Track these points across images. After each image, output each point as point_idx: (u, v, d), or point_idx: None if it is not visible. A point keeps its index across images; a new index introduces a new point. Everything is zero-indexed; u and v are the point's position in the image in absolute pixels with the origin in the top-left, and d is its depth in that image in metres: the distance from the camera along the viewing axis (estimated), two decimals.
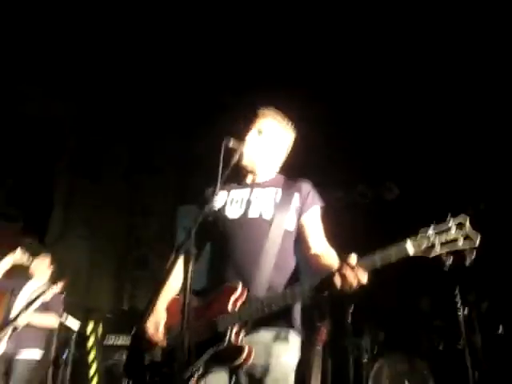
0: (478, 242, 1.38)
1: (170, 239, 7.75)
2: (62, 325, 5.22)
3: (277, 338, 1.69)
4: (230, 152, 1.88)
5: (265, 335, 1.69)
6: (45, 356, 4.81)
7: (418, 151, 5.63)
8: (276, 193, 1.88)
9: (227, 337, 1.60)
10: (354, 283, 1.46)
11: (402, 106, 5.72)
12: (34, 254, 4.47)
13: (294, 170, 2.17)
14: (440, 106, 5.56)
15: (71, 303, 6.20)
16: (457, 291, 4.43)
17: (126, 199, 7.96)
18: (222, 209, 1.89)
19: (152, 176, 8.10)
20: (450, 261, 1.40)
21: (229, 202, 1.90)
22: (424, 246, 1.42)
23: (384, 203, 5.50)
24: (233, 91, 6.17)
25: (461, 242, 1.39)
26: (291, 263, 1.84)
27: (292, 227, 1.84)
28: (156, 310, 1.80)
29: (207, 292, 1.79)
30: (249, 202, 1.86)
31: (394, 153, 5.71)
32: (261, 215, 1.82)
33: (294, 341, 1.75)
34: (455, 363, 4.42)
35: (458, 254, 1.40)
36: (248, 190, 1.92)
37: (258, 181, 1.97)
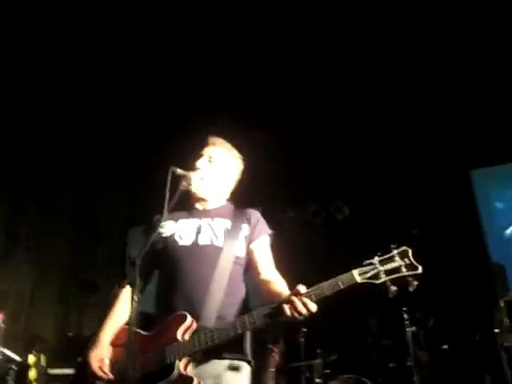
0: (420, 269, 1.50)
1: (119, 263, 7.54)
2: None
3: (228, 369, 1.68)
4: (176, 179, 1.88)
5: (215, 366, 1.67)
6: None
7: (368, 170, 5.82)
8: (225, 220, 1.91)
9: (176, 368, 1.57)
10: (303, 311, 1.51)
11: (351, 126, 5.93)
12: None
13: (245, 192, 2.19)
14: (384, 132, 5.80)
15: (13, 332, 5.87)
16: (404, 310, 4.58)
17: (73, 221, 7.70)
18: (171, 236, 1.87)
19: (102, 198, 7.89)
20: (394, 288, 1.51)
21: (178, 230, 1.89)
22: (370, 273, 1.52)
23: (336, 222, 5.63)
24: (185, 115, 6.17)
25: (404, 269, 1.51)
26: (241, 290, 1.85)
27: (242, 253, 1.87)
28: (100, 342, 1.76)
29: (155, 321, 1.77)
30: (199, 229, 1.87)
31: (345, 172, 5.87)
32: (212, 242, 1.83)
33: (245, 370, 1.74)
34: (404, 381, 4.52)
35: (402, 281, 1.51)
36: (197, 218, 1.92)
37: (207, 208, 1.98)
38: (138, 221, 7.31)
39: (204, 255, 1.80)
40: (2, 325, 4.92)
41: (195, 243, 1.83)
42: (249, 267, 1.89)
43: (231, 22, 5.19)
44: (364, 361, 4.80)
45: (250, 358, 1.77)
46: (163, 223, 1.81)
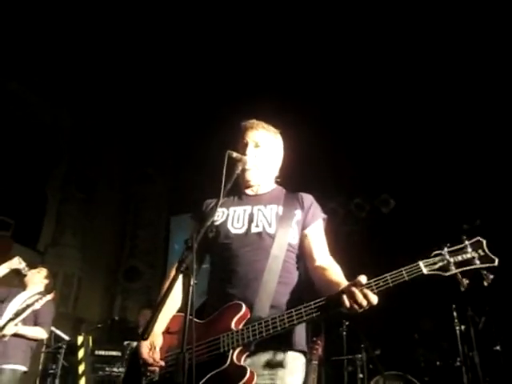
0: (497, 262, 1.40)
1: (162, 250, 7.67)
2: (51, 334, 5.12)
3: (281, 361, 1.64)
4: (232, 163, 1.83)
5: (270, 357, 1.63)
6: (33, 367, 4.70)
7: (415, 164, 5.65)
8: (278, 207, 1.85)
9: (229, 357, 1.55)
10: (364, 303, 1.43)
11: (399, 119, 5.76)
12: (31, 264, 4.38)
13: (290, 183, 2.11)
14: (436, 120, 5.61)
15: (61, 314, 6.11)
16: (454, 308, 4.42)
17: (118, 210, 7.89)
18: (224, 224, 1.83)
19: (145, 187, 8.05)
20: (466, 281, 1.42)
21: (230, 217, 1.85)
22: (438, 265, 1.42)
23: (380, 216, 5.50)
24: (228, 102, 6.17)
25: (478, 262, 1.41)
26: (294, 279, 1.80)
27: (295, 240, 1.81)
28: (154, 330, 1.63)
29: (209, 309, 1.74)
30: (251, 217, 1.83)
31: (391, 166, 5.72)
32: (264, 229, 1.78)
33: (299, 363, 1.70)
34: (452, 380, 4.37)
35: (475, 274, 1.41)
36: (249, 204, 1.88)
37: (259, 193, 1.94)
38: (180, 209, 7.43)
39: (257, 243, 1.75)
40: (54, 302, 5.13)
41: (248, 231, 1.78)
42: (303, 253, 1.82)
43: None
44: (409, 358, 4.67)
45: (305, 348, 1.73)
46: (217, 207, 1.74)
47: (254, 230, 1.78)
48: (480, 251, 1.42)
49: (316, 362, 4.15)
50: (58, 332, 5.14)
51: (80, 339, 4.99)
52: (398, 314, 4.61)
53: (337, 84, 5.80)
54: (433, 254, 1.44)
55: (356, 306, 1.44)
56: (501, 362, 4.36)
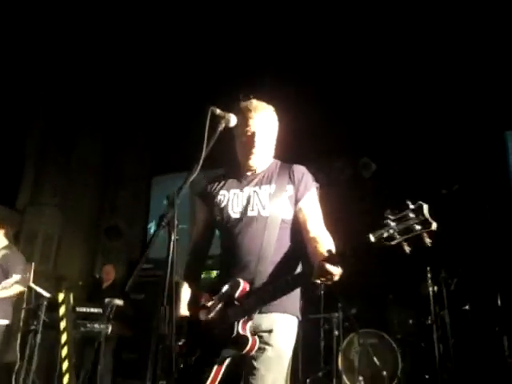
0: (434, 226, 1.47)
1: (143, 210, 7.67)
2: (31, 291, 5.14)
3: (275, 324, 1.86)
4: (215, 120, 1.88)
5: (265, 322, 1.85)
6: (14, 323, 4.74)
7: (397, 128, 5.67)
8: (270, 186, 1.99)
9: (235, 328, 1.78)
10: (331, 278, 1.66)
11: (380, 81, 5.74)
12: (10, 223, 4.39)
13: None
14: (418, 86, 5.60)
15: (42, 272, 6.11)
16: (428, 270, 4.58)
17: (98, 169, 7.79)
18: (225, 208, 2.01)
19: (126, 147, 7.93)
20: (408, 248, 1.52)
21: (230, 201, 2.01)
22: (385, 235, 1.53)
23: (361, 179, 5.56)
24: (212, 67, 6.06)
25: (418, 227, 1.48)
26: (289, 251, 1.96)
27: (289, 216, 1.96)
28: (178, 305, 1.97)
29: (218, 288, 1.94)
30: (248, 200, 1.98)
31: (372, 129, 5.74)
32: (259, 213, 1.94)
33: (291, 325, 1.91)
34: (423, 338, 4.58)
35: (417, 238, 1.50)
36: (247, 186, 2.02)
37: (257, 172, 2.05)
38: (162, 169, 7.38)
39: (253, 226, 1.93)
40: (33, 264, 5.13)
41: (244, 215, 1.96)
42: (298, 226, 1.97)
43: None
44: (383, 317, 4.85)
45: (297, 313, 1.93)
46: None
47: (250, 213, 1.96)
48: (421, 216, 1.48)
49: None
50: (39, 289, 5.15)
51: (61, 296, 5.02)
52: (374, 275, 4.74)
53: (318, 45, 5.71)
54: (380, 224, 1.54)
55: (324, 280, 1.68)
56: (469, 321, 4.59)
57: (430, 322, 4.49)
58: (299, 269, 1.96)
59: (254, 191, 1.99)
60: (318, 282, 1.69)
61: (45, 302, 4.97)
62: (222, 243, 2.06)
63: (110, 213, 7.63)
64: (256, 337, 1.80)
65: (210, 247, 2.16)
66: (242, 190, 2.02)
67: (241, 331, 1.78)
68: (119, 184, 7.86)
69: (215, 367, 1.81)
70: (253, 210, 1.96)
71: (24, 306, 5.23)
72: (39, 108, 7.12)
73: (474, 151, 5.29)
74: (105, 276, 5.55)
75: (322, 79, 5.98)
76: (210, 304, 1.93)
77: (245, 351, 1.77)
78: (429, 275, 4.53)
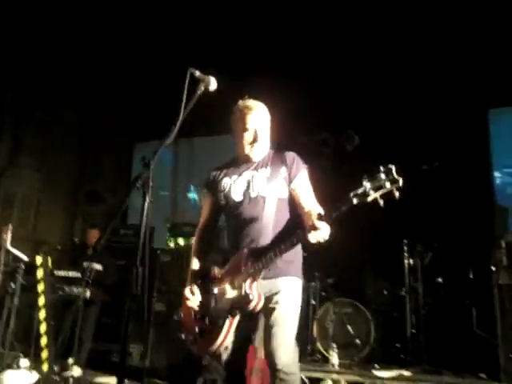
0: (401, 182, 1.78)
1: (124, 176, 7.58)
2: (9, 254, 5.10)
3: (282, 286, 2.16)
4: (195, 83, 1.98)
5: (273, 285, 2.16)
6: None
7: (381, 103, 5.66)
8: (266, 169, 2.30)
9: (243, 288, 2.08)
10: (322, 235, 1.94)
11: (364, 59, 5.69)
12: None
13: None
14: (402, 62, 5.57)
15: (21, 236, 6.04)
16: (404, 243, 4.68)
17: (79, 131, 7.62)
18: (229, 193, 2.31)
19: (110, 111, 7.75)
20: (381, 201, 1.82)
21: (232, 187, 2.32)
22: (360, 191, 1.83)
23: (345, 152, 5.57)
24: (189, 37, 5.90)
25: (388, 184, 1.79)
26: (286, 224, 2.26)
27: (285, 194, 2.28)
28: (189, 277, 2.33)
29: (227, 259, 2.26)
30: (248, 184, 2.29)
31: (357, 104, 5.71)
32: (258, 193, 2.25)
33: (296, 286, 2.21)
34: (396, 308, 4.73)
35: (389, 193, 1.81)
36: (246, 171, 2.33)
37: (253, 160, 2.36)
38: (145, 136, 7.27)
39: (254, 205, 2.24)
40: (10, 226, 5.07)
41: (246, 197, 2.27)
42: (294, 203, 2.28)
43: None
44: (359, 287, 4.97)
45: (299, 276, 2.24)
46: (223, 180, 2.34)
47: (251, 195, 2.26)
48: (390, 175, 1.79)
49: None
50: (16, 252, 5.12)
51: (38, 259, 4.99)
52: (351, 247, 4.81)
53: (299, 23, 5.61)
54: (358, 185, 1.85)
55: (315, 236, 1.95)
56: (440, 293, 4.74)
57: (403, 293, 4.62)
58: None
59: (252, 175, 2.30)
60: (313, 240, 1.96)
61: (22, 265, 4.95)
62: (227, 223, 2.37)
63: (91, 177, 7.53)
64: (262, 295, 2.09)
65: (216, 228, 2.48)
66: (241, 175, 2.33)
67: (247, 290, 2.07)
68: (101, 148, 7.72)
69: (227, 322, 2.10)
70: (253, 191, 2.26)
71: (1, 268, 5.21)
72: (17, 66, 6.86)
73: (457, 128, 5.33)
74: (91, 240, 5.49)
75: (306, 53, 5.90)
76: (220, 273, 2.24)
77: (251, 307, 2.06)
78: (405, 248, 4.63)
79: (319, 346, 4.59)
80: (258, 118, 2.32)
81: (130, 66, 7.27)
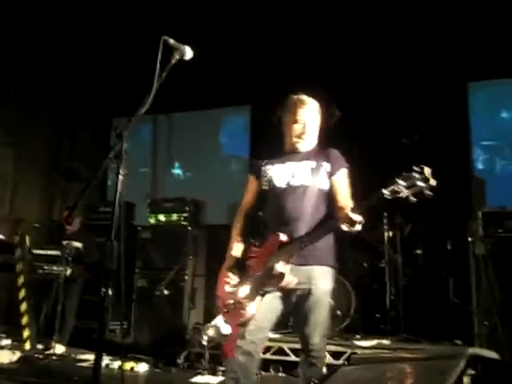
0: (433, 182, 1.91)
1: (102, 153, 7.44)
2: None
3: (315, 272, 2.32)
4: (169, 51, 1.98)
5: (307, 271, 2.31)
6: None
7: (359, 76, 5.62)
8: (311, 162, 2.44)
9: (276, 267, 2.23)
10: (354, 224, 2.08)
11: (344, 32, 5.63)
12: None
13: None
14: (381, 34, 5.53)
15: None
16: (384, 215, 4.74)
17: (55, 107, 7.41)
18: (272, 179, 2.46)
19: (86, 86, 7.53)
20: (413, 199, 1.96)
21: (276, 173, 2.46)
22: (395, 189, 1.97)
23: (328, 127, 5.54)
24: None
25: (420, 183, 1.92)
26: (323, 214, 2.39)
27: (325, 186, 2.42)
28: (228, 256, 2.52)
29: (264, 241, 2.43)
30: (292, 173, 2.43)
31: (337, 76, 5.67)
32: (301, 183, 2.40)
33: (328, 274, 2.38)
34: (376, 279, 4.81)
35: (421, 191, 1.93)
36: (291, 161, 2.47)
37: (299, 151, 2.50)
38: (122, 111, 7.10)
39: (295, 193, 2.39)
40: None
41: (289, 184, 2.42)
42: (331, 196, 2.42)
43: None
44: (339, 259, 5.02)
45: (331, 263, 2.40)
46: (267, 167, 2.49)
47: (293, 183, 2.41)
48: (423, 175, 1.92)
49: None
50: None
51: (16, 238, 4.92)
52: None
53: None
54: (391, 182, 1.98)
55: (348, 224, 2.11)
56: (419, 264, 4.84)
57: (383, 264, 4.71)
58: None
59: (297, 165, 2.44)
60: (345, 227, 2.12)
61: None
62: (268, 207, 2.49)
63: (69, 154, 7.37)
64: (294, 277, 2.24)
65: (254, 210, 2.63)
66: (285, 163, 2.47)
67: (279, 269, 2.22)
68: (78, 124, 7.53)
69: (258, 298, 2.28)
70: (296, 180, 2.41)
71: None
72: None
73: (437, 102, 5.34)
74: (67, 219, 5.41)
75: (290, 24, 5.80)
76: (256, 253, 2.42)
77: (282, 284, 2.23)
78: (385, 220, 4.68)
79: None
80: (309, 112, 2.48)
81: (107, 40, 7.04)
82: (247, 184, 2.63)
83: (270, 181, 2.46)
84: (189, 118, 7.11)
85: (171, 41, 1.93)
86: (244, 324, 2.27)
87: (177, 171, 7.15)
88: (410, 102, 5.40)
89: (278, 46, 5.94)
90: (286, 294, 2.32)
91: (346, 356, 3.95)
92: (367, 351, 3.97)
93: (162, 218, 5.57)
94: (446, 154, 5.07)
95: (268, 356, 4.30)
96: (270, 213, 2.49)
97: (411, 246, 4.82)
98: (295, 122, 2.46)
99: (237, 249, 2.49)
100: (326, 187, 2.42)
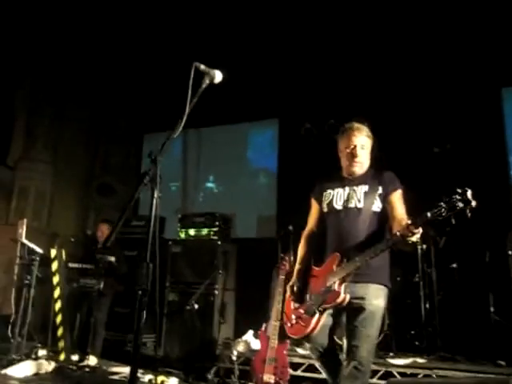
0: (474, 204, 1.99)
1: (134, 168, 7.61)
2: (24, 247, 5.18)
3: (369, 290, 2.46)
4: (200, 76, 2.02)
5: (362, 286, 2.46)
6: (8, 278, 4.79)
7: (391, 84, 5.54)
8: (365, 186, 2.61)
9: (332, 286, 2.42)
10: (413, 239, 2.22)
11: (373, 40, 5.57)
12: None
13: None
14: (413, 41, 5.44)
15: (35, 228, 6.13)
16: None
17: (90, 125, 7.66)
18: (331, 202, 2.66)
19: (118, 104, 7.76)
20: (453, 220, 2.07)
21: (335, 197, 2.66)
22: (437, 214, 2.09)
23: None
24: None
25: (460, 205, 2.02)
26: (376, 234, 2.51)
27: (378, 209, 2.56)
28: (294, 274, 2.72)
29: (323, 260, 2.60)
30: (348, 196, 2.62)
31: (366, 84, 5.60)
32: (356, 205, 2.58)
33: (382, 292, 2.51)
34: (410, 294, 4.65)
35: (462, 212, 2.03)
36: (347, 186, 2.66)
37: (355, 176, 2.67)
38: (153, 127, 7.27)
39: (351, 215, 2.57)
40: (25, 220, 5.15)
41: (345, 207, 2.61)
42: (388, 215, 2.54)
43: None
44: None
45: (386, 282, 2.53)
46: (328, 191, 2.70)
47: (349, 205, 2.60)
48: (464, 197, 2.01)
49: (283, 277, 4.33)
50: (31, 245, 5.19)
51: (53, 252, 5.06)
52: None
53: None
54: (435, 206, 2.09)
55: (407, 244, 2.27)
56: (455, 278, 4.65)
57: (417, 279, 4.55)
58: None
59: (353, 189, 2.62)
60: (400, 243, 2.24)
61: (37, 258, 5.03)
62: (328, 228, 2.68)
63: (102, 169, 7.58)
64: (348, 295, 2.40)
65: (319, 231, 2.78)
66: (343, 188, 2.66)
67: (336, 288, 2.41)
68: (111, 141, 7.74)
69: (317, 315, 2.47)
70: (351, 203, 2.59)
71: (17, 261, 5.30)
72: (29, 62, 6.90)
73: (470, 108, 5.18)
74: (101, 234, 5.53)
75: (317, 39, 5.80)
76: (317, 272, 2.59)
77: (337, 301, 2.40)
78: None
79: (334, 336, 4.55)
80: (361, 139, 2.66)
81: (139, 59, 7.26)
82: (311, 208, 2.84)
83: (329, 204, 2.68)
84: (217, 132, 7.19)
85: (202, 66, 1.99)
86: (306, 337, 2.55)
87: (210, 185, 7.22)
88: (441, 109, 5.26)
89: (305, 60, 5.94)
90: (340, 310, 2.53)
91: (379, 374, 3.83)
92: (402, 370, 3.84)
93: (192, 232, 5.62)
94: (481, 162, 4.90)
95: (299, 373, 4.23)
96: (328, 234, 2.67)
97: (446, 259, 4.64)
98: (348, 147, 2.66)
99: (300, 269, 2.71)
100: (379, 209, 2.58)
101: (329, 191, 2.72)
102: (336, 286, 2.41)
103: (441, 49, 5.33)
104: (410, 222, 2.19)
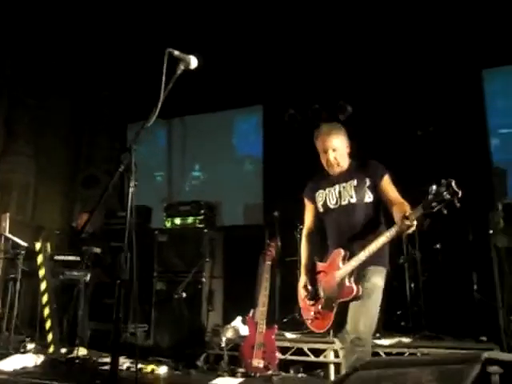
0: (460, 193, 2.09)
1: (119, 157, 7.53)
2: (8, 241, 5.14)
3: (372, 271, 2.58)
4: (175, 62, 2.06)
5: (365, 271, 2.58)
6: None
7: (372, 68, 5.53)
8: (354, 180, 2.72)
9: (345, 282, 2.56)
10: (410, 232, 2.31)
11: (354, 25, 5.55)
12: None
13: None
14: (392, 25, 5.44)
15: (20, 222, 6.07)
16: None
17: (72, 116, 7.55)
18: (325, 202, 2.80)
19: (101, 93, 7.64)
20: (445, 211, 2.18)
21: (327, 197, 2.79)
22: (428, 207, 2.19)
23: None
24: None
25: (448, 196, 2.12)
26: (373, 220, 2.68)
27: (370, 198, 2.68)
28: (302, 273, 2.88)
29: (327, 257, 2.77)
30: (340, 194, 2.75)
31: (349, 71, 5.59)
32: (349, 201, 2.70)
33: (381, 272, 2.63)
34: (395, 277, 4.71)
35: (451, 203, 2.13)
36: (337, 183, 2.77)
37: (341, 171, 2.78)
38: (137, 116, 7.19)
39: (345, 211, 2.71)
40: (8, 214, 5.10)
41: (339, 204, 2.74)
42: (383, 201, 2.64)
43: None
44: None
45: (384, 264, 2.66)
46: (320, 191, 2.82)
47: (342, 203, 2.74)
48: (450, 189, 2.12)
49: (269, 263, 4.37)
50: (15, 238, 5.16)
51: (38, 245, 5.03)
52: None
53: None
54: (425, 200, 2.19)
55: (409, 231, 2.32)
56: (439, 259, 4.72)
57: (402, 261, 4.61)
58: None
59: (343, 186, 2.74)
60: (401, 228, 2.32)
61: (22, 252, 5.00)
62: (327, 226, 2.82)
63: (86, 161, 7.50)
64: (360, 286, 2.52)
65: (317, 229, 2.93)
66: (333, 187, 2.78)
67: (348, 284, 2.56)
68: (95, 132, 7.65)
69: (335, 309, 2.61)
70: (344, 200, 2.71)
71: (1, 255, 5.26)
72: (7, 54, 6.75)
73: (451, 91, 5.21)
74: (79, 222, 5.52)
75: (298, 24, 5.76)
76: (323, 268, 2.74)
77: (352, 295, 2.52)
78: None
79: None
80: (332, 142, 2.75)
81: (120, 49, 7.15)
82: (305, 208, 2.96)
83: (324, 204, 2.81)
84: (202, 120, 7.14)
85: (176, 52, 1.99)
86: (328, 330, 2.72)
87: (196, 173, 7.19)
88: (422, 92, 5.28)
89: (288, 46, 5.91)
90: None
91: None
92: (388, 350, 3.91)
93: (177, 221, 5.61)
94: (463, 144, 4.94)
95: (288, 357, 4.29)
96: (328, 232, 2.83)
97: (430, 240, 4.70)
98: (324, 151, 2.77)
99: (307, 266, 2.87)
100: (371, 199, 2.69)
101: (321, 191, 2.85)
102: (347, 281, 2.56)
103: (421, 31, 5.33)
104: (406, 215, 2.26)
